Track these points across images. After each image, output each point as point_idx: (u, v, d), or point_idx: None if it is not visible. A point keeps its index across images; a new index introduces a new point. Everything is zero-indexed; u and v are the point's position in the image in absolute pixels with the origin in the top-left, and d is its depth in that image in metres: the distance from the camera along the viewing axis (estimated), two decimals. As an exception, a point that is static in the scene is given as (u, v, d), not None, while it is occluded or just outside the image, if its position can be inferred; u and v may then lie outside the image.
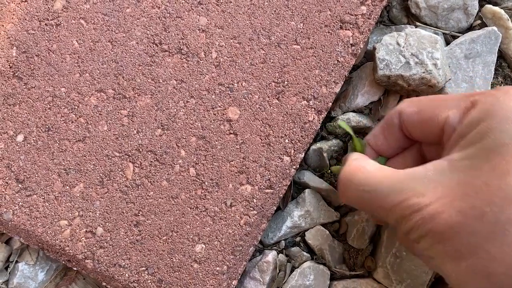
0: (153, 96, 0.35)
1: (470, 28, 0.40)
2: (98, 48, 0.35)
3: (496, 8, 0.39)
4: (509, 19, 0.39)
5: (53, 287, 0.37)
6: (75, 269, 0.35)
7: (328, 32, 0.36)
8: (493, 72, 0.39)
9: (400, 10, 0.40)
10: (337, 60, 0.36)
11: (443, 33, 0.40)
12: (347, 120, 0.38)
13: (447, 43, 0.40)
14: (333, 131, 0.39)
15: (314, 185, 0.38)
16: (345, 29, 0.36)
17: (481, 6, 0.40)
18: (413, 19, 0.40)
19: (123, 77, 0.35)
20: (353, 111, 0.39)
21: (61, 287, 0.37)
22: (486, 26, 0.40)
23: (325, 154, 0.39)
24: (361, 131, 0.39)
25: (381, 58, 0.36)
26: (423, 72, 0.36)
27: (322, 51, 0.36)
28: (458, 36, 0.40)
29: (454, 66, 0.38)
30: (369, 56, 0.40)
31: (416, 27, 0.39)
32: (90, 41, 0.35)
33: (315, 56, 0.36)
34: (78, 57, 0.35)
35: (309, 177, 0.39)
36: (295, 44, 0.36)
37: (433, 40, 0.36)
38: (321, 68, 0.36)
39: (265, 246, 0.38)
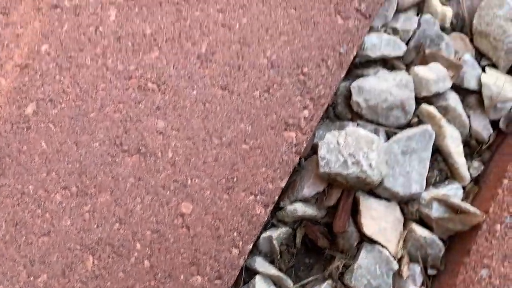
0: (113, 193, 0.39)
1: (409, 124, 0.44)
2: (64, 149, 0.39)
3: (431, 108, 0.43)
4: (442, 117, 0.43)
5: None
6: None
7: (274, 134, 0.40)
8: (428, 167, 0.42)
9: (344, 107, 0.44)
10: (282, 159, 0.40)
11: (384, 129, 0.44)
12: (293, 210, 0.42)
13: (388, 137, 0.44)
14: (282, 219, 0.43)
15: (264, 271, 0.41)
16: (289, 131, 0.40)
17: (418, 104, 0.44)
18: (356, 116, 0.44)
19: (86, 175, 0.39)
20: (300, 200, 0.43)
21: None
22: (423, 123, 0.44)
23: (274, 242, 0.42)
24: (307, 220, 0.42)
25: (322, 156, 0.40)
26: (359, 172, 0.39)
27: (268, 150, 0.40)
28: (398, 132, 0.43)
29: (392, 161, 0.42)
30: (315, 148, 0.44)
31: (357, 125, 0.43)
32: (57, 142, 0.39)
33: (262, 155, 0.40)
34: (46, 157, 0.39)
35: (259, 264, 0.42)
36: (244, 144, 0.40)
37: (370, 140, 0.40)
38: (267, 166, 0.40)
39: (217, 329, 0.41)
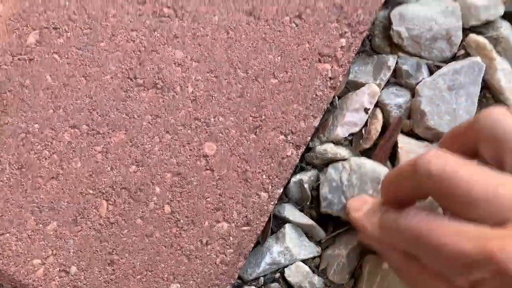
0: (128, 132, 0.35)
1: (454, 57, 0.39)
2: (72, 83, 0.35)
3: (480, 38, 0.38)
4: (493, 49, 0.38)
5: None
6: (48, 309, 0.34)
7: (307, 66, 0.36)
8: (477, 104, 0.38)
9: (382, 39, 0.40)
10: (316, 94, 0.36)
11: (427, 63, 0.39)
12: (323, 151, 0.38)
13: (431, 72, 0.39)
14: (311, 161, 0.39)
15: (294, 219, 0.38)
16: (324, 63, 0.36)
17: (465, 35, 0.39)
18: (396, 48, 0.39)
19: (97, 112, 0.35)
20: (332, 142, 0.38)
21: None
22: (470, 55, 0.39)
23: (306, 186, 0.38)
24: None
25: (324, 196, 0.36)
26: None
27: (300, 85, 0.36)
28: (442, 66, 0.39)
29: (437, 98, 0.38)
30: (351, 85, 0.39)
31: (398, 58, 0.39)
32: (64, 76, 0.35)
33: (293, 90, 0.36)
34: (52, 92, 0.34)
35: (289, 211, 0.38)
36: (272, 78, 0.36)
37: (375, 179, 0.36)
38: (299, 102, 0.36)
39: (244, 282, 0.38)
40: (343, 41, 0.36)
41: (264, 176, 0.35)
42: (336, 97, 0.39)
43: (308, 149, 0.39)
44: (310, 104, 0.36)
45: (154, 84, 0.35)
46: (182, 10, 0.35)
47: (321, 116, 0.36)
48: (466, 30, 0.39)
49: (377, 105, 0.39)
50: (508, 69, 0.39)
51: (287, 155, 0.35)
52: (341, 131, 0.38)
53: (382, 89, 0.39)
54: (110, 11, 0.35)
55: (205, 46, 0.35)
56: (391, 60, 0.39)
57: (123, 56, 0.35)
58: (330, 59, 0.36)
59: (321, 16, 0.36)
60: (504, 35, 0.39)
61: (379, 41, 0.40)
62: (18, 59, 0.35)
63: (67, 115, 0.35)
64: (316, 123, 0.36)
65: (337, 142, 0.39)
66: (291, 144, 0.35)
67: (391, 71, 0.39)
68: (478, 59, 0.38)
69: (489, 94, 0.39)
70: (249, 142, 0.35)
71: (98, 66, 0.35)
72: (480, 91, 0.38)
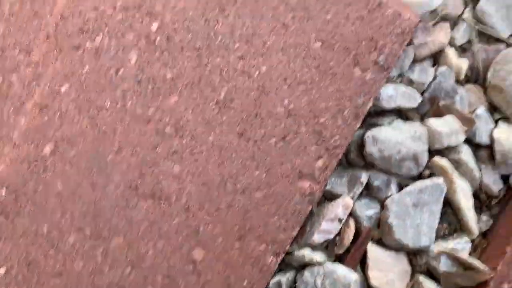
0: (126, 236, 0.39)
1: (421, 175, 0.44)
2: (80, 190, 0.39)
3: (443, 161, 0.43)
4: (455, 171, 0.43)
5: None
6: None
7: (288, 183, 0.40)
8: (438, 220, 0.43)
9: (357, 155, 0.45)
10: (295, 208, 0.40)
11: (396, 179, 0.44)
12: (301, 256, 0.42)
13: (401, 188, 0.44)
14: (289, 263, 0.43)
15: (272, 317, 0.42)
16: (303, 180, 0.41)
17: (431, 156, 0.44)
18: (369, 165, 0.44)
19: (100, 218, 0.39)
20: (309, 246, 0.43)
21: None
22: (435, 175, 0.44)
23: (283, 287, 0.42)
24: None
25: None
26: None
27: (282, 199, 0.40)
28: (410, 183, 0.44)
29: (403, 213, 0.42)
30: (327, 195, 0.44)
31: (369, 175, 0.44)
32: (73, 184, 0.39)
33: (275, 204, 0.40)
34: (61, 198, 0.39)
35: (267, 309, 0.42)
36: (258, 192, 0.40)
37: (346, 285, 0.41)
38: (280, 215, 0.40)
39: None
40: (320, 162, 0.41)
41: (245, 282, 0.39)
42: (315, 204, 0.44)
43: (287, 252, 0.43)
44: (290, 217, 0.40)
45: (152, 194, 0.40)
46: (182, 130, 0.40)
47: (299, 227, 0.41)
48: (433, 152, 0.44)
49: (350, 214, 0.44)
50: (467, 189, 0.44)
51: (267, 263, 0.40)
52: (317, 238, 0.43)
53: (355, 201, 0.44)
54: (118, 127, 0.40)
55: (200, 162, 0.40)
56: (364, 176, 0.44)
57: (127, 169, 0.40)
58: (308, 177, 0.41)
59: (302, 140, 0.41)
60: (464, 160, 0.44)
61: (354, 156, 0.45)
62: (34, 166, 0.39)
63: (73, 219, 0.39)
64: (294, 233, 0.40)
65: (313, 247, 0.43)
66: (271, 252, 0.40)
67: (363, 185, 0.44)
68: (440, 180, 0.43)
69: (450, 210, 0.44)
70: (233, 250, 0.40)
71: (104, 177, 0.39)
72: (442, 208, 0.43)
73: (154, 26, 0.41)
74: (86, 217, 0.39)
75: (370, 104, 0.42)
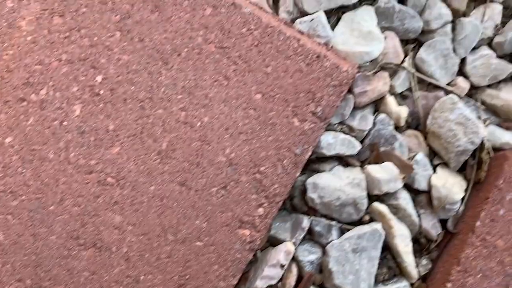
0: (67, 286, 0.40)
1: (361, 220, 0.46)
2: (21, 241, 0.40)
3: (381, 207, 0.45)
4: (393, 217, 0.45)
5: None
6: None
7: (228, 231, 0.41)
8: (377, 265, 0.44)
9: (300, 200, 0.46)
10: (235, 256, 0.41)
11: (337, 225, 0.45)
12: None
13: (342, 232, 0.45)
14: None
15: None
16: (244, 228, 0.42)
17: (371, 202, 0.46)
18: (311, 210, 0.46)
19: (41, 268, 0.40)
20: (254, 292, 0.44)
21: None
22: (374, 220, 0.45)
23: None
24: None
25: None
26: None
27: (222, 248, 0.41)
28: (350, 228, 0.45)
29: (343, 259, 0.43)
30: (271, 240, 0.45)
31: (313, 218, 0.45)
32: (14, 234, 0.40)
33: (215, 253, 0.41)
34: (2, 249, 0.40)
35: None
36: (198, 241, 0.41)
37: None
38: (220, 264, 0.41)
39: None
40: (261, 210, 0.42)
41: (184, 331, 0.40)
42: (259, 250, 0.45)
43: (230, 299, 0.44)
44: (230, 266, 0.41)
45: (93, 244, 0.40)
46: (124, 180, 0.41)
47: (240, 275, 0.41)
48: (372, 197, 0.46)
49: (293, 259, 0.45)
50: (406, 234, 0.45)
51: (206, 311, 0.40)
52: (260, 284, 0.43)
53: (298, 246, 0.45)
54: (61, 178, 0.41)
55: (141, 212, 0.41)
56: (305, 222, 0.45)
57: (68, 219, 0.40)
58: (249, 225, 0.42)
59: (243, 189, 0.42)
60: (403, 205, 0.45)
61: (298, 201, 0.46)
62: (-24, 218, 0.40)
63: (14, 270, 0.40)
64: (234, 281, 0.41)
65: (256, 293, 0.44)
66: (211, 300, 0.41)
67: (305, 231, 0.45)
68: (379, 226, 0.44)
69: (389, 255, 0.45)
70: (173, 298, 0.40)
71: (46, 227, 0.40)
72: (382, 253, 0.44)
73: (99, 78, 0.42)
74: (27, 268, 0.40)
75: (309, 153, 0.43)
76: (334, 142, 0.45)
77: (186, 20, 0.43)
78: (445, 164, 0.47)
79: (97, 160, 0.41)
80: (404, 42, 0.49)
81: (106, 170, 0.41)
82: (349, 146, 0.45)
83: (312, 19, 0.46)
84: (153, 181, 0.41)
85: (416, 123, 0.49)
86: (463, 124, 0.46)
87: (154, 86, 0.42)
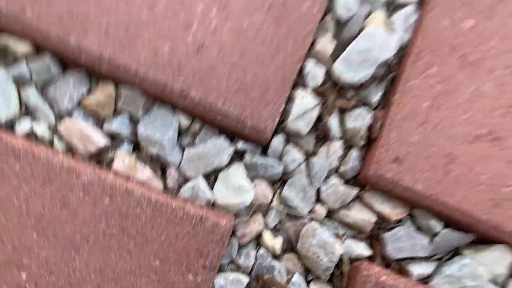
0: None
1: None
2: None
3: (271, 327, 0.56)
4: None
5: None
6: None
7: None
8: None
9: None
10: None
11: None
12: None
13: None
14: None
15: None
16: None
17: None
18: None
19: None
20: None
21: None
22: (268, 338, 0.57)
23: None
24: None
25: None
26: None
27: None
28: None
29: None
30: None
31: None
32: None
33: None
34: None
35: None
36: None
37: None
38: None
39: None
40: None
41: None
42: None
43: None
44: None
45: None
46: None
47: None
48: None
49: None
50: None
51: None
52: None
53: None
54: None
55: None
56: None
57: None
58: None
59: None
60: (287, 322, 0.57)
61: None
62: None
63: None
64: None
65: None
66: None
67: None
68: None
69: None
70: None
71: None
72: None
73: (23, 276, 0.52)
74: None
75: (205, 300, 0.55)
76: (225, 284, 0.57)
77: (89, 211, 0.54)
78: (318, 278, 0.60)
79: None
80: (271, 182, 0.63)
81: None
82: (238, 284, 0.57)
83: (193, 186, 0.59)
84: None
85: (291, 247, 0.62)
86: (323, 247, 0.59)
87: (70, 272, 0.53)
